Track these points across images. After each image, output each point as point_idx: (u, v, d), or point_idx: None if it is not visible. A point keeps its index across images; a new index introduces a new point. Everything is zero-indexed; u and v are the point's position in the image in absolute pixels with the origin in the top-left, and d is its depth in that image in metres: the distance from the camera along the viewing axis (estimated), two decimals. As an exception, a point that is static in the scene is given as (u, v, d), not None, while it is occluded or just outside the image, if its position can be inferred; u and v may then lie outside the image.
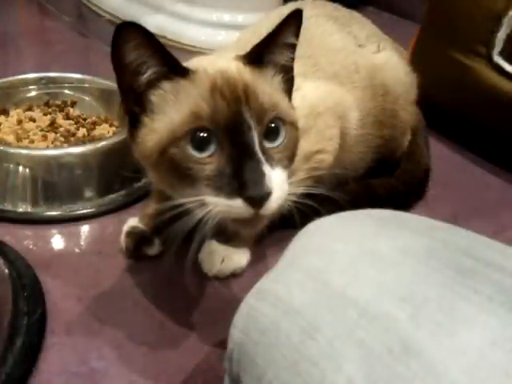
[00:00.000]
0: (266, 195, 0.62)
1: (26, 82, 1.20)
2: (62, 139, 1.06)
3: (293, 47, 0.70)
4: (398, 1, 2.05)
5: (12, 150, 0.96)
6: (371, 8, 2.05)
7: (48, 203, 0.95)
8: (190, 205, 0.65)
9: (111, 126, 1.13)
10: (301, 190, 0.71)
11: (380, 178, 1.03)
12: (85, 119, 1.15)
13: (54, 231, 0.93)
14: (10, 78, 1.19)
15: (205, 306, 0.80)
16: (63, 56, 1.59)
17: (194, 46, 1.62)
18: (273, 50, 0.69)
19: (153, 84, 0.66)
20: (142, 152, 0.68)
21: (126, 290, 0.82)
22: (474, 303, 0.38)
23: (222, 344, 0.54)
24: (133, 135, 0.69)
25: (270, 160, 0.64)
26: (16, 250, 0.85)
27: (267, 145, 0.66)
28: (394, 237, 0.46)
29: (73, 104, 1.19)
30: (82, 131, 1.09)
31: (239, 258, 0.86)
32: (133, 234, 0.87)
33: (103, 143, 1.00)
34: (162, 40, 0.64)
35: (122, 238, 0.87)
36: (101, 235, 0.94)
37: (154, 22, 1.62)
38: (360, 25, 1.06)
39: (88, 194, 0.97)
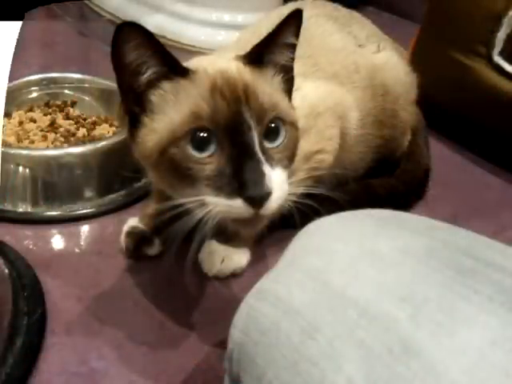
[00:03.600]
0: (266, 195, 0.62)
1: (29, 84, 1.19)
2: (62, 139, 1.06)
3: (293, 47, 0.70)
4: (398, 1, 2.05)
5: (12, 151, 0.96)
6: (371, 8, 2.05)
7: (48, 203, 0.95)
8: (190, 205, 0.65)
9: (111, 126, 1.13)
10: (301, 189, 0.71)
11: (380, 178, 1.03)
12: (85, 119, 1.14)
13: (54, 231, 0.93)
14: (15, 82, 1.18)
15: (205, 306, 0.80)
16: (63, 56, 1.59)
17: (193, 46, 1.62)
18: (273, 50, 0.69)
19: (153, 84, 0.66)
20: (141, 152, 0.68)
21: (125, 290, 0.82)
22: (474, 303, 0.38)
23: (222, 344, 0.54)
24: (133, 135, 0.69)
25: (270, 160, 0.64)
26: (16, 250, 0.85)
27: (267, 145, 0.66)
28: (394, 237, 0.46)
29: (73, 104, 1.19)
30: (81, 131, 1.09)
31: (239, 257, 0.86)
32: (133, 233, 0.87)
33: (103, 143, 0.99)
34: (161, 40, 0.64)
35: (122, 238, 0.87)
36: (101, 235, 0.94)
37: (153, 22, 1.62)
38: (360, 25, 1.06)
39: (88, 193, 0.97)
